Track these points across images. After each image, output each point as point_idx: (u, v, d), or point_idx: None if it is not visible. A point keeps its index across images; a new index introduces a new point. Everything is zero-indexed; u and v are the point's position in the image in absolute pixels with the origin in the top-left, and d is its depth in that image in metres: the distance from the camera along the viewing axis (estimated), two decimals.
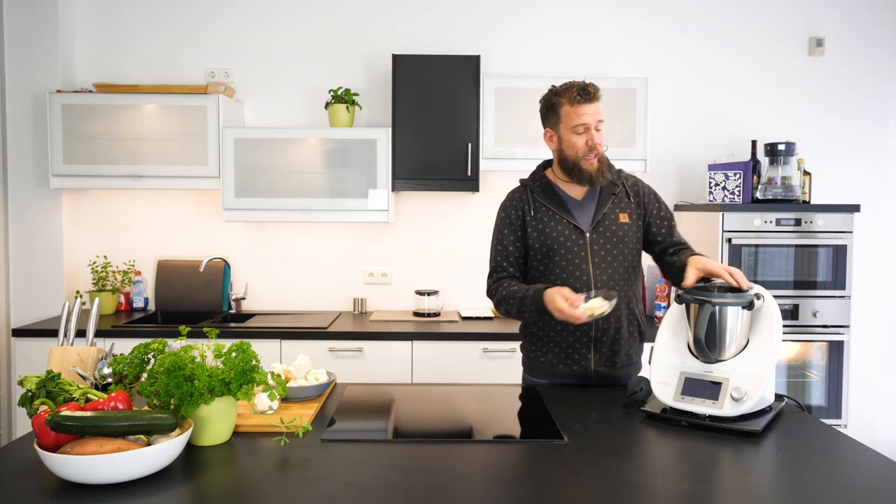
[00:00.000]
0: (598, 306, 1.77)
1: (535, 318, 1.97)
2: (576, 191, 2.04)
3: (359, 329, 3.09)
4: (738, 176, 3.24)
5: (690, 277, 1.75)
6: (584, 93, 1.93)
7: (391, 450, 1.44)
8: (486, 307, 3.61)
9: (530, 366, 2.09)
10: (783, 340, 3.11)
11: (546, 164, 2.13)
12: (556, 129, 2.00)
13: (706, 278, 1.78)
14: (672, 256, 2.01)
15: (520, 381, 2.15)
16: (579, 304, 1.76)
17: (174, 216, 3.61)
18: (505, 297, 1.97)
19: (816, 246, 3.13)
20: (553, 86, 2.01)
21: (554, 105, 1.98)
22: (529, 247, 2.02)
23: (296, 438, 1.49)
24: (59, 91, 3.29)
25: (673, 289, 3.36)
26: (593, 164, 1.95)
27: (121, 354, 1.54)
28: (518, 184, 2.13)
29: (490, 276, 2.08)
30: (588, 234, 1.98)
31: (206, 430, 1.43)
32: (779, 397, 1.72)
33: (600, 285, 1.95)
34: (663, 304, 3.38)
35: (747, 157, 3.48)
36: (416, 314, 3.41)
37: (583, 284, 1.94)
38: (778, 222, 3.11)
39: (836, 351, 3.15)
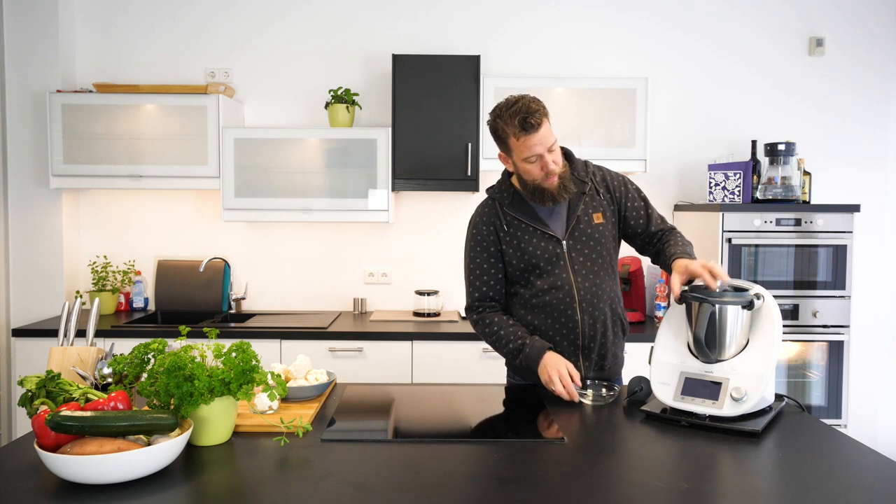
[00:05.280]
0: (600, 398, 1.80)
1: (519, 367, 1.96)
2: None
3: (359, 329, 3.09)
4: (738, 176, 3.24)
5: (676, 287, 1.71)
6: (527, 125, 1.77)
7: (391, 450, 1.44)
8: None
9: (517, 368, 2.04)
10: (783, 340, 3.11)
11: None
12: (508, 156, 1.90)
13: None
14: (658, 246, 1.99)
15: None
16: (577, 381, 1.80)
17: (174, 216, 3.61)
18: (493, 339, 1.96)
19: (816, 246, 3.13)
20: (497, 106, 1.85)
21: (500, 135, 1.86)
22: (507, 263, 1.96)
23: (296, 438, 1.49)
24: (59, 91, 3.29)
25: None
26: (554, 182, 1.86)
27: (121, 354, 1.54)
28: (486, 195, 2.04)
29: (471, 309, 2.02)
30: (564, 242, 1.92)
31: (206, 430, 1.43)
32: (779, 397, 1.72)
33: (583, 293, 1.91)
34: (663, 304, 3.37)
35: (747, 157, 3.48)
36: (416, 314, 3.41)
37: (565, 294, 1.91)
38: (778, 222, 3.11)
39: (836, 351, 3.15)
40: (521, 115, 1.78)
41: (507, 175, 2.02)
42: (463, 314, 3.44)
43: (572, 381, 1.80)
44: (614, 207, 1.99)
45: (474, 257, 1.99)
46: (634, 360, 2.99)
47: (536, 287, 1.93)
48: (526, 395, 1.91)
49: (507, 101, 1.83)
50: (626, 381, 2.06)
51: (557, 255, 1.92)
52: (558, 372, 1.80)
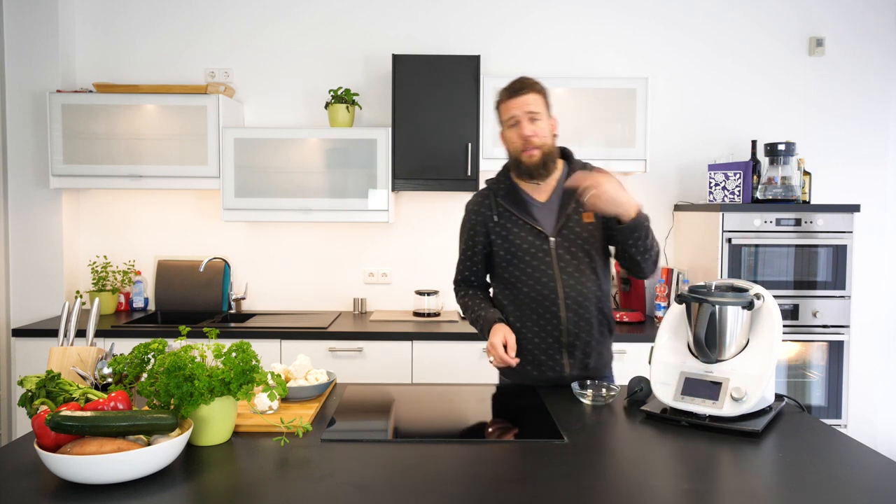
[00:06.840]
0: (600, 398, 1.80)
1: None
2: (539, 192, 1.99)
3: (359, 329, 3.09)
4: (738, 176, 3.24)
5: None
6: (510, 89, 1.92)
7: (391, 450, 1.44)
8: None
9: (504, 369, 2.05)
10: (783, 340, 3.11)
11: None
12: (502, 131, 1.99)
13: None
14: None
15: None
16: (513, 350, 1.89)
17: (174, 216, 3.61)
18: (464, 310, 2.12)
19: (816, 246, 3.13)
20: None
21: (496, 107, 1.99)
22: (494, 253, 2.01)
23: (296, 438, 1.49)
24: (59, 91, 3.29)
25: (673, 289, 3.36)
26: (532, 155, 1.91)
27: (121, 354, 1.54)
28: (484, 185, 2.11)
29: (455, 283, 2.18)
30: (553, 240, 1.93)
31: (206, 430, 1.43)
32: (779, 397, 1.72)
33: (568, 290, 1.92)
34: (663, 304, 3.37)
35: (747, 157, 3.47)
36: (416, 314, 3.41)
37: (550, 291, 1.93)
38: (778, 222, 3.11)
39: (836, 351, 3.15)
40: (510, 82, 1.94)
41: (506, 168, 2.07)
42: (463, 315, 3.44)
43: (506, 351, 1.89)
44: None
45: (466, 240, 2.08)
46: (634, 360, 3.00)
47: (521, 281, 1.96)
48: (526, 395, 1.91)
49: None
50: (623, 380, 2.06)
51: (544, 252, 1.94)
52: (492, 344, 1.90)
